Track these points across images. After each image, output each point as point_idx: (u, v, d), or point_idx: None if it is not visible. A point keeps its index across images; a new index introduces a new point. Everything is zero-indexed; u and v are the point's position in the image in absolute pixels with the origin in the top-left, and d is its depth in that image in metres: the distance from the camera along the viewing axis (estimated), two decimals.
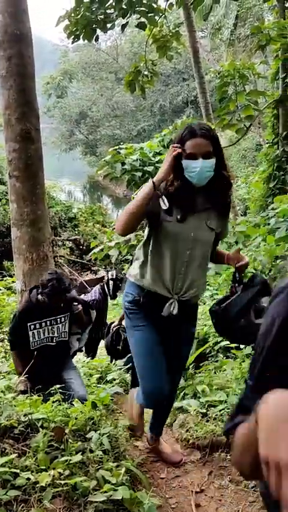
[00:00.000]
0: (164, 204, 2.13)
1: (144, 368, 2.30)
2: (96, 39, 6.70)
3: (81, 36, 6.54)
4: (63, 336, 3.22)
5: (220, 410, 2.86)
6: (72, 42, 6.80)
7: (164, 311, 2.21)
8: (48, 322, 3.13)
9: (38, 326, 3.10)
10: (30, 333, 3.06)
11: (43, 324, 3.12)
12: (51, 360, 3.15)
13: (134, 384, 3.01)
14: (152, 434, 2.69)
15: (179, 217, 2.15)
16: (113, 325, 4.33)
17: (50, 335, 3.16)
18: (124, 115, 28.87)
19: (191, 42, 8.90)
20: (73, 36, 6.58)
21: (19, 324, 3.09)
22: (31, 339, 3.08)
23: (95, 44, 22.94)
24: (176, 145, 2.08)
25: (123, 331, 4.15)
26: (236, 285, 2.40)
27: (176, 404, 3.10)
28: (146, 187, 2.12)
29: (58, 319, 3.16)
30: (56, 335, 3.17)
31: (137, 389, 2.57)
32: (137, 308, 2.31)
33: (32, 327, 3.07)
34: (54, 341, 3.17)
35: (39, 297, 3.03)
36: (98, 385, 3.41)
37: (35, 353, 2.98)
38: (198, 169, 2.06)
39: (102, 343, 4.63)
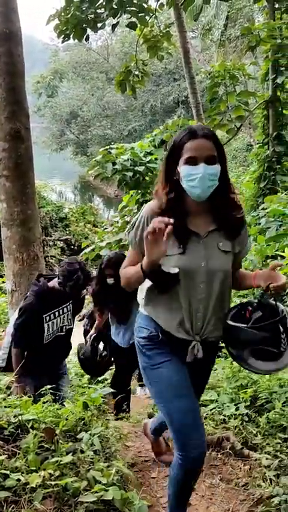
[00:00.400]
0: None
1: (180, 414, 1.79)
2: (87, 38, 6.70)
3: (71, 36, 6.53)
4: (70, 323, 3.18)
5: (211, 410, 2.87)
6: (63, 42, 6.79)
7: (187, 357, 1.81)
8: (60, 311, 3.05)
9: (52, 316, 2.98)
10: (46, 325, 2.93)
11: (56, 313, 3.02)
12: (59, 350, 3.11)
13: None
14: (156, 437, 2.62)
15: (181, 247, 1.74)
16: (89, 334, 4.07)
17: (61, 324, 3.08)
18: (115, 115, 28.83)
19: (182, 42, 8.92)
20: (63, 36, 6.57)
21: (31, 318, 2.91)
22: (46, 332, 2.94)
23: (86, 43, 22.89)
24: (159, 219, 1.58)
25: (99, 340, 4.01)
26: (251, 309, 1.81)
27: None
28: (136, 272, 1.77)
29: (65, 307, 3.11)
30: (65, 323, 3.12)
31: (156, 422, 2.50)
32: (155, 344, 1.87)
33: (48, 318, 2.94)
34: (64, 330, 3.12)
35: (57, 286, 2.94)
36: (90, 385, 3.40)
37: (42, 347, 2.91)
38: (200, 175, 1.66)
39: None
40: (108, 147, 6.95)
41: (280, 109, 7.67)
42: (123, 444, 2.66)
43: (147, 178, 6.62)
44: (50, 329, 2.99)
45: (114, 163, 6.58)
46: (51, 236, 15.04)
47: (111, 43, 30.39)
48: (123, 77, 7.78)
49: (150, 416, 3.49)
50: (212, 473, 2.49)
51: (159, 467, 2.59)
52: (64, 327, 3.12)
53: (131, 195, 6.96)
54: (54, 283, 3.01)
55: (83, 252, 6.96)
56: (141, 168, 6.50)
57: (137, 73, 7.80)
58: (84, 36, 6.59)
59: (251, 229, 5.37)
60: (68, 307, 3.13)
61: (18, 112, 3.78)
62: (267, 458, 2.32)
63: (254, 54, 12.07)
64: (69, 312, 3.16)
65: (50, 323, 2.99)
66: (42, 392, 2.46)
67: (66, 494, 1.85)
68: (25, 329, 2.94)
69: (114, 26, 6.70)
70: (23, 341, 2.96)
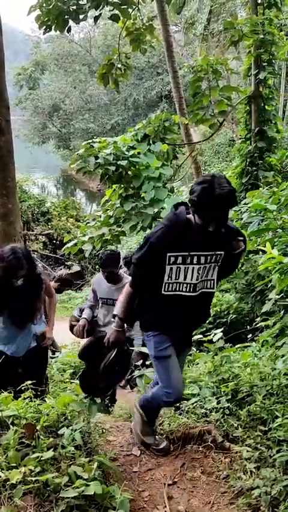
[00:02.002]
0: None
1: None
2: (69, 30, 6.61)
3: (53, 27, 6.43)
4: None
5: (193, 403, 2.89)
6: (44, 33, 6.69)
7: None
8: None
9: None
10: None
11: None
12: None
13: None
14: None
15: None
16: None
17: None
18: (98, 108, 28.60)
19: (165, 36, 8.88)
20: (45, 27, 6.47)
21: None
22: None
23: (68, 35, 22.62)
24: None
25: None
26: None
27: None
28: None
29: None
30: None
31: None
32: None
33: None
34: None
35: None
36: (72, 380, 3.38)
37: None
38: None
39: None
40: (90, 141, 6.88)
41: (262, 105, 7.70)
42: (105, 439, 2.65)
43: (129, 172, 6.57)
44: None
45: (96, 157, 6.51)
46: (33, 230, 14.90)
47: (94, 35, 30.09)
48: (106, 70, 7.71)
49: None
50: (193, 466, 2.51)
51: (141, 461, 2.60)
52: None
53: (114, 189, 6.91)
54: None
55: (65, 246, 6.90)
56: (123, 162, 6.44)
57: (119, 66, 7.74)
58: (66, 28, 6.50)
59: None
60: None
61: None
62: (247, 451, 2.35)
63: (237, 49, 12.11)
64: None
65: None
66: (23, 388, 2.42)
67: (47, 490, 1.84)
68: None
69: (96, 18, 6.62)
70: None
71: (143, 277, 2.43)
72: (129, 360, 2.82)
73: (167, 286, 2.35)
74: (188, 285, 2.35)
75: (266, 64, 7.48)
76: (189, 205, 2.26)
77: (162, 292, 2.36)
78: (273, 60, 7.56)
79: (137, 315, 2.56)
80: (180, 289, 2.36)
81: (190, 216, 2.29)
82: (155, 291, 2.38)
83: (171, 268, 2.31)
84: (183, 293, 2.37)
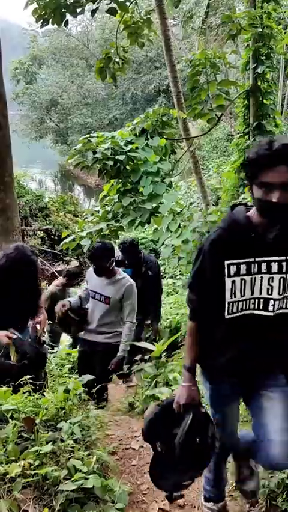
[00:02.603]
0: None
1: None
2: (66, 23, 6.55)
3: (50, 21, 6.38)
4: None
5: None
6: (41, 27, 6.63)
7: None
8: None
9: None
10: None
11: None
12: None
13: None
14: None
15: None
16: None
17: None
18: (96, 103, 28.46)
19: (163, 29, 8.81)
20: (42, 20, 6.41)
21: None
22: None
23: (65, 29, 22.45)
24: None
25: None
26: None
27: (148, 392, 3.12)
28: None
29: None
30: None
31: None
32: None
33: None
34: None
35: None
36: (70, 375, 3.39)
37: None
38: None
39: None
40: (88, 136, 6.85)
41: (261, 99, 7.68)
42: (104, 433, 2.67)
43: (128, 167, 6.55)
44: None
45: (94, 152, 6.48)
46: (31, 226, 14.86)
47: (91, 29, 29.88)
48: (104, 64, 7.65)
49: (130, 404, 3.51)
50: None
51: (139, 455, 2.61)
52: None
53: (112, 184, 6.89)
54: None
55: (63, 242, 6.89)
56: (122, 157, 6.41)
57: (117, 60, 7.69)
58: (63, 22, 6.44)
59: None
60: None
61: None
62: None
63: (235, 43, 12.05)
64: None
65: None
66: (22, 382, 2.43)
67: (46, 483, 1.85)
68: None
69: (93, 12, 6.57)
70: None
71: (201, 301, 1.84)
72: (211, 430, 1.92)
73: (231, 307, 1.73)
74: (259, 300, 1.74)
75: (264, 57, 7.46)
76: (246, 177, 1.70)
77: (226, 316, 1.74)
78: (271, 54, 7.55)
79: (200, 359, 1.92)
80: (249, 307, 1.75)
81: (252, 213, 1.73)
82: (216, 318, 1.77)
83: (233, 282, 1.71)
84: (255, 311, 1.75)
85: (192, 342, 1.88)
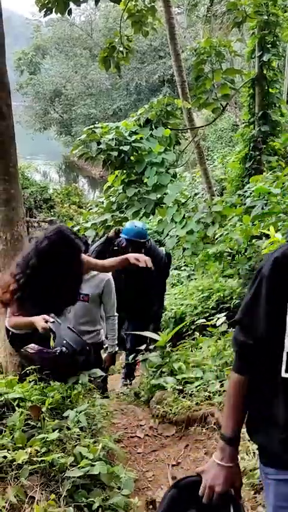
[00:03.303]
0: None
1: None
2: (69, 12, 6.49)
3: (53, 10, 6.33)
4: None
5: (196, 387, 2.92)
6: (44, 16, 6.57)
7: None
8: None
9: None
10: None
11: None
12: None
13: None
14: None
15: None
16: None
17: None
18: (99, 93, 28.29)
19: (167, 17, 8.72)
20: (45, 9, 6.36)
21: None
22: None
23: (69, 18, 22.23)
24: None
25: None
26: None
27: (153, 382, 3.14)
28: None
29: None
30: None
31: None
32: None
33: None
34: None
35: None
36: None
37: None
38: None
39: None
40: (92, 126, 6.82)
41: (266, 88, 7.61)
42: (110, 422, 2.69)
43: (132, 157, 6.53)
44: None
45: (98, 143, 6.47)
46: (35, 217, 14.88)
47: (95, 18, 29.63)
48: (107, 53, 7.59)
49: (136, 394, 3.53)
50: (196, 447, 2.55)
51: (145, 443, 2.64)
52: None
53: (116, 175, 6.87)
54: None
55: None
56: (126, 148, 6.40)
57: (121, 49, 7.62)
58: (67, 10, 6.39)
59: (236, 210, 5.37)
60: None
61: None
62: None
63: (240, 31, 11.90)
64: None
65: None
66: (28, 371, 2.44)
67: (53, 470, 1.87)
68: None
69: (97, 0, 6.51)
70: None
71: (255, 346, 1.26)
72: None
73: None
74: None
75: (270, 45, 7.38)
76: None
77: (282, 375, 1.17)
78: (277, 42, 7.47)
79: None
80: None
81: None
82: (268, 376, 1.22)
83: None
84: None
85: (237, 403, 1.29)
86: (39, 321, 2.39)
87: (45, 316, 2.42)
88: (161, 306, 4.87)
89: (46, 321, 2.41)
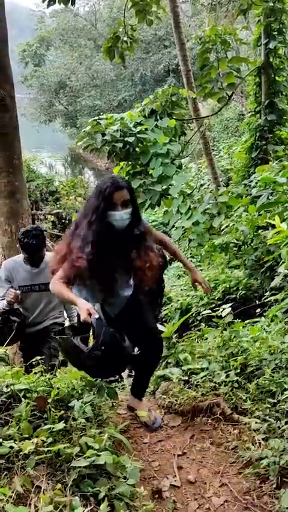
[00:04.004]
0: None
1: None
2: (73, 2, 6.43)
3: (57, 0, 6.27)
4: None
5: (202, 377, 2.91)
6: (48, 6, 6.52)
7: None
8: None
9: None
10: None
11: None
12: None
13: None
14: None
15: None
16: None
17: None
18: (104, 84, 28.13)
19: (172, 6, 8.63)
20: (48, 0, 6.31)
21: None
22: None
23: (72, 8, 22.08)
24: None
25: None
26: None
27: (159, 373, 3.14)
28: None
29: None
30: None
31: None
32: None
33: None
34: None
35: None
36: None
37: None
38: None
39: None
40: (97, 118, 6.79)
41: (273, 76, 7.51)
42: (116, 412, 2.70)
43: (137, 149, 6.50)
44: None
45: (103, 134, 6.44)
46: (41, 210, 14.90)
47: (99, 8, 29.38)
48: (112, 43, 7.52)
49: None
50: (202, 437, 2.55)
51: (150, 433, 2.65)
52: None
53: (121, 167, 6.85)
54: None
55: None
56: (131, 139, 6.36)
57: (125, 39, 7.55)
58: (70, 1, 6.33)
59: (242, 200, 5.33)
60: None
61: (2, 79, 3.66)
62: (256, 422, 2.37)
63: (246, 18, 11.74)
64: None
65: None
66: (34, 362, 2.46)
67: (59, 460, 1.88)
68: None
69: None
70: None
71: None
72: None
73: None
74: None
75: (276, 33, 7.28)
76: None
77: None
78: (283, 29, 7.36)
79: None
80: None
81: None
82: None
83: None
84: None
85: None
86: (84, 310, 2.12)
87: (91, 308, 2.14)
88: (162, 295, 4.82)
89: (90, 314, 2.11)
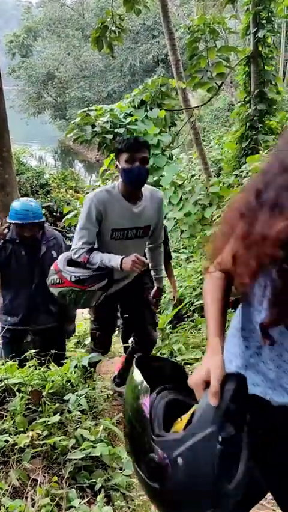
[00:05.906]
0: None
1: None
2: None
3: None
4: None
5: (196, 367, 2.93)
6: None
7: None
8: None
9: None
10: None
11: None
12: None
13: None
14: None
15: None
16: None
17: None
18: (93, 75, 27.86)
19: None
20: None
21: None
22: None
23: None
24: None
25: None
26: None
27: None
28: None
29: None
30: None
31: None
32: None
33: None
34: None
35: None
36: (76, 349, 3.43)
37: None
38: None
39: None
40: (86, 109, 6.73)
41: (262, 65, 7.49)
42: (111, 404, 2.71)
43: None
44: None
45: (93, 126, 6.40)
46: None
47: None
48: (100, 33, 7.43)
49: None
50: None
51: None
52: None
53: (112, 159, 6.82)
54: None
55: (65, 217, 6.87)
56: (121, 130, 6.33)
57: (113, 28, 7.46)
58: None
59: (233, 190, 5.34)
60: None
61: None
62: None
63: (235, 7, 11.66)
64: None
65: None
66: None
67: (55, 452, 1.89)
68: None
69: None
70: None
71: None
72: None
73: None
74: None
75: (265, 21, 7.25)
76: None
77: None
78: (272, 18, 7.33)
79: None
80: None
81: None
82: None
83: None
84: None
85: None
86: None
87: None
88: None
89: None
